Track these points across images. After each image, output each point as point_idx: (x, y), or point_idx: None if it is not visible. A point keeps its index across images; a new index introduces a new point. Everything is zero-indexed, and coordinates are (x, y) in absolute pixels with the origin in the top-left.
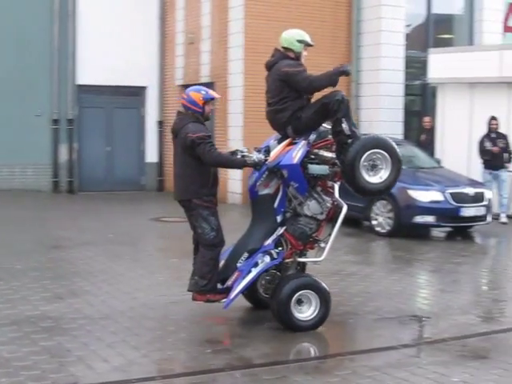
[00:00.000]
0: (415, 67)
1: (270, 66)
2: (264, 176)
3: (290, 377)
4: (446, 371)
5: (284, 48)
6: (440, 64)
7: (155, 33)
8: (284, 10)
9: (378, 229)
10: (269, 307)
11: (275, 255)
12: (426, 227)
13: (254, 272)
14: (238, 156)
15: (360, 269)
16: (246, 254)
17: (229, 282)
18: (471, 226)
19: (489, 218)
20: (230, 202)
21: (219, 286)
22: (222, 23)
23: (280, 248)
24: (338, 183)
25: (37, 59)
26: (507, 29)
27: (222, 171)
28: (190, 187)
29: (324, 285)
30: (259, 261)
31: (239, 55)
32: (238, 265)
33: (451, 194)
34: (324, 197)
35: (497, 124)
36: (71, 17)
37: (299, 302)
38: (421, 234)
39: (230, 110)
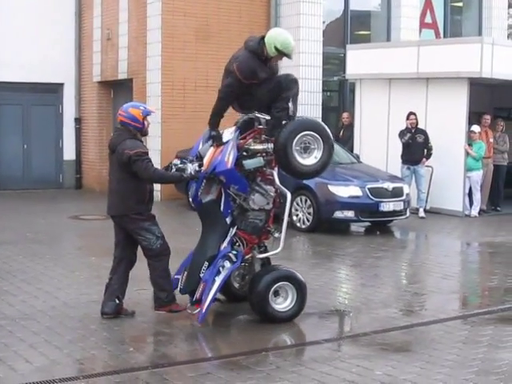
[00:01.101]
0: (333, 63)
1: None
2: (203, 184)
3: (214, 373)
4: (369, 364)
5: (262, 41)
6: (358, 60)
7: (72, 29)
8: (201, 5)
9: (298, 224)
10: (240, 300)
11: (234, 258)
12: (346, 222)
13: (218, 281)
14: (173, 170)
15: (281, 264)
16: (206, 263)
17: (197, 295)
18: (390, 221)
19: (407, 213)
20: None
21: (189, 298)
22: (140, 19)
23: (237, 247)
24: (276, 170)
25: None
26: (424, 25)
27: None
28: (127, 203)
29: (300, 276)
30: (220, 268)
31: (156, 51)
32: (201, 275)
33: (370, 189)
34: (266, 187)
35: (415, 119)
36: None
37: (276, 293)
38: (341, 229)
39: (148, 106)
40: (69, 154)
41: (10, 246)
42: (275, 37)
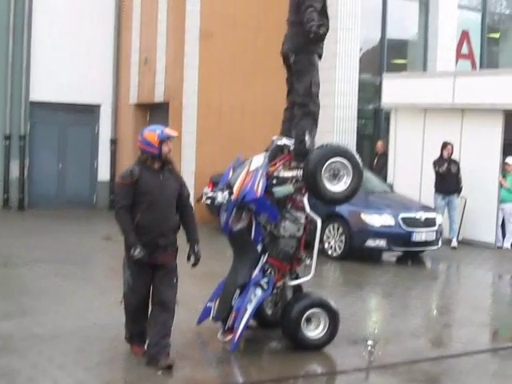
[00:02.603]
0: (369, 91)
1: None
2: (234, 212)
3: None
4: None
5: None
6: (394, 89)
7: (110, 50)
8: (239, 32)
9: (329, 252)
10: (272, 326)
11: (265, 286)
12: (378, 251)
13: (250, 309)
14: (204, 199)
15: (311, 291)
16: (237, 291)
17: (229, 323)
18: (422, 251)
19: (439, 243)
20: None
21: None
22: (178, 43)
23: (268, 275)
24: (306, 196)
25: None
26: (460, 56)
27: None
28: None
29: (333, 303)
30: (252, 296)
31: (193, 75)
32: (233, 303)
33: (403, 218)
34: (296, 214)
35: (452, 149)
36: (26, 33)
37: (308, 320)
38: (372, 257)
39: (183, 129)
40: (103, 174)
41: (43, 264)
42: None
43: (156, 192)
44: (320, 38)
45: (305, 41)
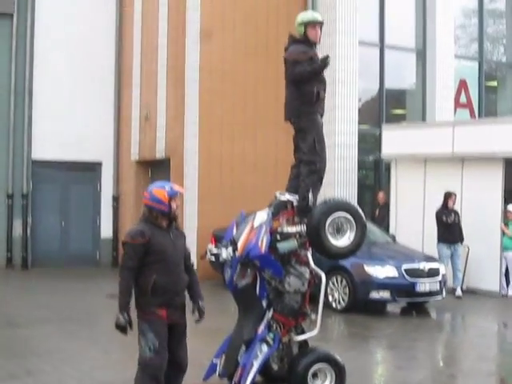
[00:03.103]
0: (368, 141)
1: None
2: (238, 269)
3: None
4: None
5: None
6: (393, 140)
7: (111, 108)
8: (239, 86)
9: (334, 304)
10: (279, 381)
11: (271, 341)
12: (382, 303)
13: (256, 365)
14: (208, 255)
15: (316, 345)
16: (243, 347)
17: (235, 379)
18: (426, 301)
19: (444, 293)
20: None
21: (227, 382)
22: (178, 99)
23: (274, 330)
24: (310, 251)
25: None
26: (459, 105)
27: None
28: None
29: (339, 358)
30: (258, 352)
31: (194, 131)
32: (239, 359)
33: (406, 269)
34: (301, 269)
35: (455, 199)
36: (27, 93)
37: (314, 375)
38: (377, 309)
39: (185, 185)
40: (106, 231)
41: (47, 324)
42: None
43: (169, 251)
44: None
45: (302, 103)
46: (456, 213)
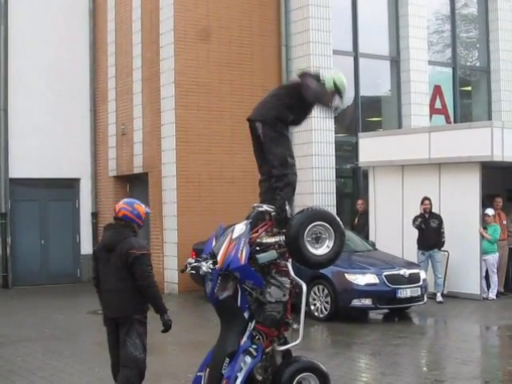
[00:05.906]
0: (346, 150)
1: None
2: (219, 281)
3: None
4: None
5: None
6: (370, 148)
7: (87, 125)
8: (215, 100)
9: (316, 313)
10: None
11: (254, 352)
12: (364, 310)
13: (240, 377)
14: (188, 269)
15: (299, 354)
16: (227, 360)
17: None
18: (408, 307)
19: (425, 299)
20: (167, 291)
21: None
22: (154, 114)
23: (257, 341)
24: (290, 261)
25: None
26: (434, 111)
27: (156, 260)
28: (131, 302)
29: (323, 367)
30: (242, 363)
31: (171, 145)
32: (223, 371)
33: (387, 276)
34: (281, 279)
35: (430, 204)
36: (3, 112)
37: None
38: (359, 316)
39: (164, 199)
40: (86, 248)
41: (29, 342)
42: (333, 73)
43: None
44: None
45: (276, 116)
46: (435, 218)
